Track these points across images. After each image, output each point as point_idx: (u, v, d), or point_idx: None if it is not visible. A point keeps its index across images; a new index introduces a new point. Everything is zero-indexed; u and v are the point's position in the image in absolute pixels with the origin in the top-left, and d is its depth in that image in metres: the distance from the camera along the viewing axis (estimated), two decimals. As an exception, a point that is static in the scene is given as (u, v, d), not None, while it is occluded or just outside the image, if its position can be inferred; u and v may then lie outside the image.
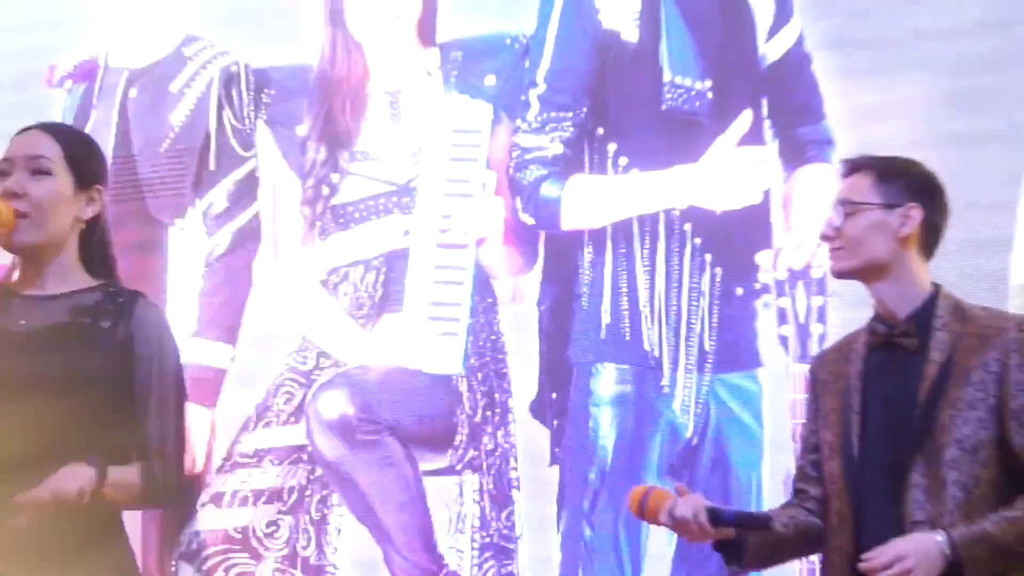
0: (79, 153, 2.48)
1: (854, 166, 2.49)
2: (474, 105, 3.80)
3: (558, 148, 3.69)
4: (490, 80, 3.81)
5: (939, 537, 2.25)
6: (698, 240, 3.58)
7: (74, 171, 2.44)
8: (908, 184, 2.43)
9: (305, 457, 3.83)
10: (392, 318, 3.81)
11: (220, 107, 4.02)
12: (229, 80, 4.03)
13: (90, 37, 4.20)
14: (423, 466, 3.74)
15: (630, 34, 3.68)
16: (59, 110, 4.19)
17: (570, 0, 3.69)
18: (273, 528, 3.85)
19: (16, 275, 2.49)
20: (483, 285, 3.76)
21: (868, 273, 2.44)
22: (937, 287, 2.43)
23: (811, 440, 2.53)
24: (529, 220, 3.72)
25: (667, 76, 3.63)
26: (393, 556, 3.73)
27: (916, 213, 2.41)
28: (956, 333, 2.37)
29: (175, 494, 2.55)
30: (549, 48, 3.73)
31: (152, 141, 4.08)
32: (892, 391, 2.39)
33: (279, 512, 3.84)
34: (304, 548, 3.82)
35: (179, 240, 4.03)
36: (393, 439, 3.74)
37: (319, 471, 3.81)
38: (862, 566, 2.29)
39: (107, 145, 4.07)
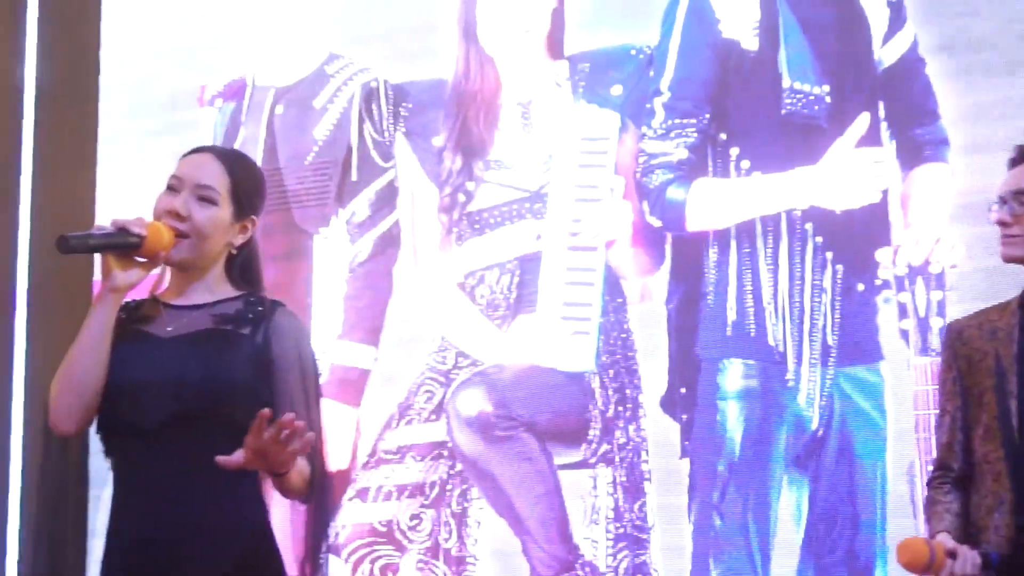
0: (245, 187, 2.64)
1: None
2: (602, 114, 3.96)
3: (683, 153, 3.84)
4: (617, 90, 3.97)
5: None
6: (819, 239, 3.70)
7: (236, 204, 2.61)
8: None
9: (445, 453, 4.00)
10: (526, 319, 3.98)
11: (361, 121, 4.24)
12: (369, 95, 4.24)
13: (238, 58, 4.44)
14: (558, 460, 3.89)
15: (750, 43, 3.81)
16: (209, 127, 4.44)
17: (692, 12, 3.84)
18: (416, 521, 4.03)
19: (164, 286, 2.65)
20: (613, 285, 3.91)
21: None
22: None
23: (957, 417, 2.61)
24: (656, 222, 3.86)
25: (786, 82, 3.76)
26: (531, 547, 3.89)
27: None
28: None
29: (321, 489, 2.75)
30: (672, 58, 3.88)
31: (297, 155, 4.31)
32: None
33: (422, 506, 4.02)
34: (446, 540, 4.00)
35: (324, 248, 4.24)
36: (529, 434, 3.91)
37: (459, 466, 3.98)
38: None
39: (255, 160, 4.32)
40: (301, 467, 2.52)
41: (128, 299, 2.61)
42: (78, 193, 4.55)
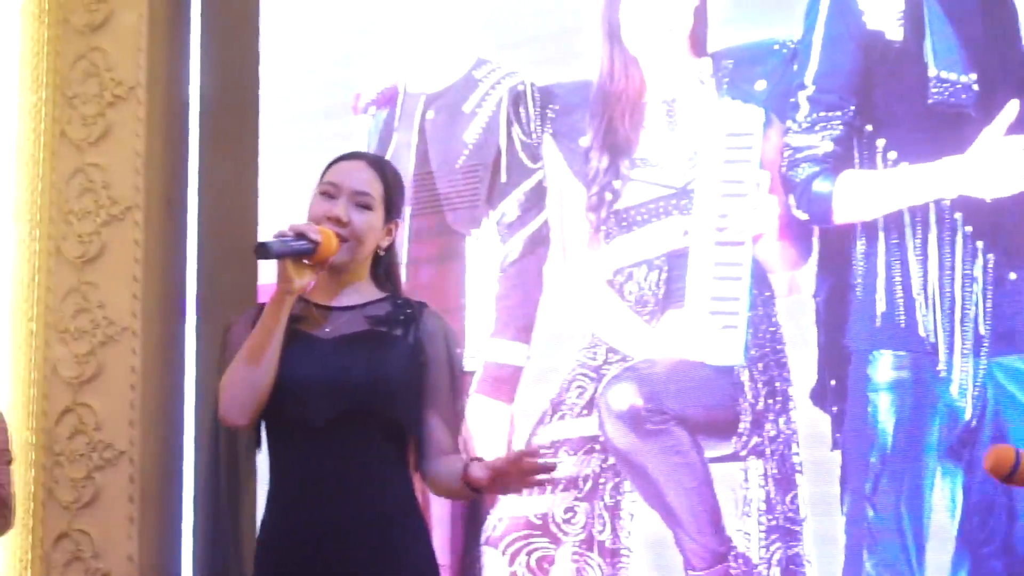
0: (394, 193, 2.80)
1: None
2: (746, 109, 3.99)
3: (828, 146, 3.84)
4: (760, 85, 3.99)
5: None
6: (969, 228, 3.67)
7: (386, 208, 2.77)
8: None
9: (598, 447, 4.08)
10: (675, 314, 4.03)
11: (509, 124, 4.33)
12: (517, 99, 4.34)
13: (389, 67, 4.58)
14: (709, 453, 3.93)
15: (894, 33, 3.80)
16: (364, 135, 4.59)
17: (835, 4, 3.85)
18: (570, 514, 4.10)
19: (310, 286, 2.78)
20: (760, 279, 3.94)
21: None
22: None
23: None
24: (803, 216, 3.87)
25: (932, 71, 3.74)
26: (683, 539, 3.94)
27: None
28: None
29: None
30: (816, 51, 3.89)
31: (448, 159, 4.43)
32: None
33: (575, 499, 4.10)
34: (600, 532, 4.07)
35: (475, 249, 4.35)
36: (680, 428, 3.96)
37: (611, 460, 4.05)
38: None
39: (408, 164, 4.46)
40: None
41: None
42: (241, 201, 4.73)
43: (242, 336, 2.72)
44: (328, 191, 2.75)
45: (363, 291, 2.79)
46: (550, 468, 2.59)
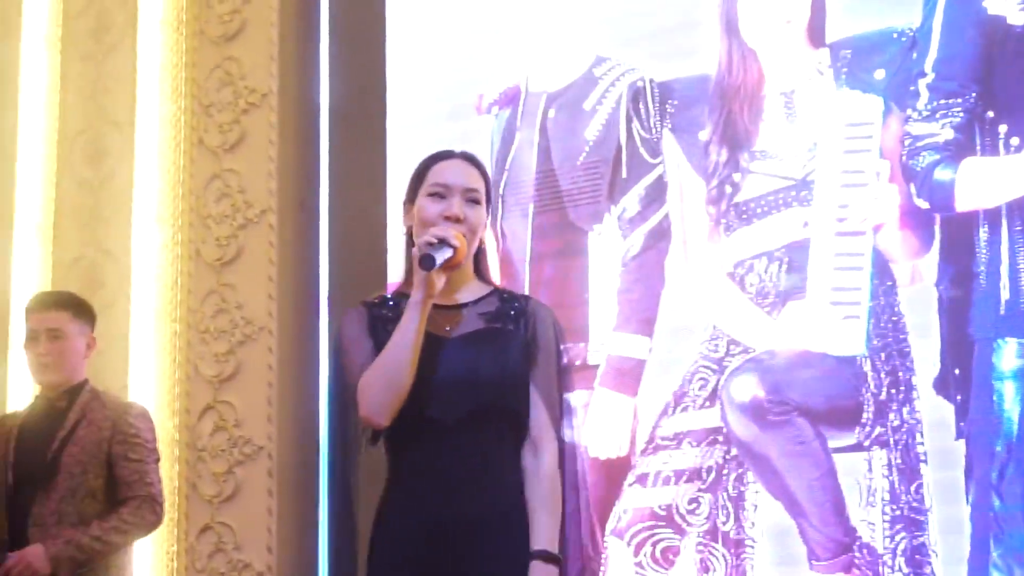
0: (491, 186, 2.90)
1: None
2: (865, 99, 3.98)
3: (949, 134, 3.82)
4: (879, 74, 3.98)
5: None
6: (1095, 214, 3.63)
7: (488, 202, 2.87)
8: None
9: (720, 438, 4.10)
10: (796, 305, 4.03)
11: (629, 120, 4.38)
12: (636, 95, 4.38)
13: (511, 67, 4.67)
14: (832, 443, 3.93)
15: (1016, 18, 3.76)
16: (487, 135, 4.68)
17: (954, -10, 3.83)
18: (694, 505, 4.13)
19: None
20: (882, 269, 3.93)
21: None
22: None
23: None
24: (924, 204, 3.85)
25: (1056, 56, 3.70)
26: (807, 529, 3.94)
27: None
28: None
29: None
30: (936, 38, 3.87)
31: (570, 156, 4.49)
32: None
33: (699, 490, 4.12)
34: (724, 523, 4.09)
35: (598, 244, 4.41)
36: (802, 419, 3.96)
37: (734, 451, 4.07)
38: None
39: (531, 162, 4.53)
40: None
41: (376, 299, 2.86)
42: (370, 202, 4.86)
43: (360, 332, 2.81)
44: (439, 192, 2.82)
45: (471, 288, 2.87)
46: None
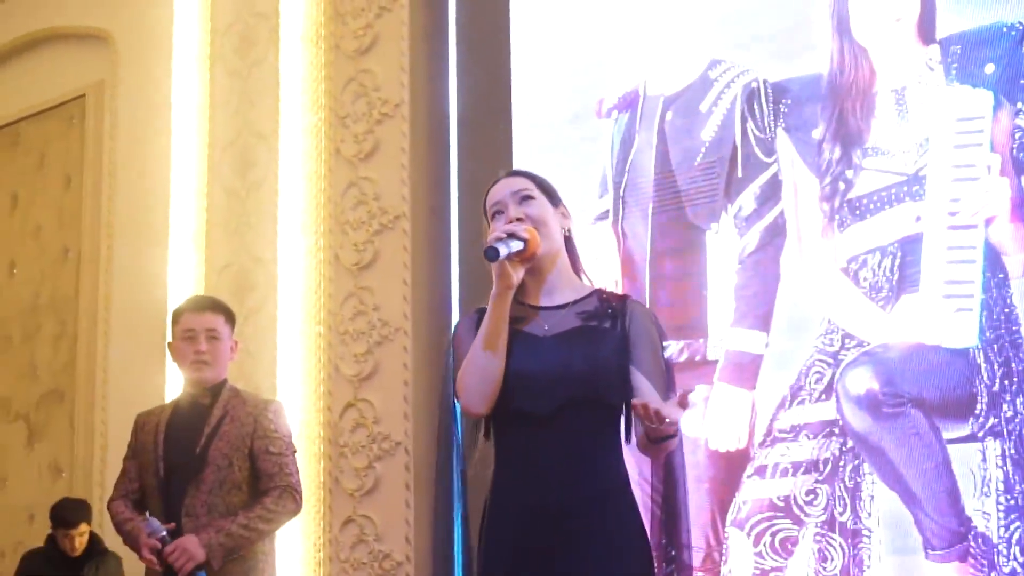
0: (543, 184, 3.00)
1: None
2: (976, 93, 4.01)
3: (1061, 126, 3.84)
4: (989, 68, 4.01)
5: None
6: None
7: (545, 195, 2.97)
8: None
9: (836, 431, 4.17)
10: (910, 299, 4.08)
11: (744, 120, 4.48)
12: (751, 95, 4.48)
13: (630, 72, 4.80)
14: (946, 435, 3.97)
15: (1125, 8, 3.77)
16: (607, 138, 4.82)
17: (1062, -18, 3.85)
18: (812, 496, 4.21)
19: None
20: (994, 262, 3.95)
21: None
22: None
23: None
24: (1037, 196, 3.89)
25: None
26: (923, 519, 3.99)
27: None
28: None
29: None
30: (1047, 30, 3.89)
31: (687, 157, 4.60)
32: None
33: (816, 481, 4.20)
34: (841, 514, 4.15)
35: (715, 241, 4.52)
36: (917, 411, 4.01)
37: (850, 443, 4.14)
38: None
39: (650, 164, 4.66)
40: None
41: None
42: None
43: (467, 333, 2.97)
44: (497, 210, 2.98)
45: (573, 288, 3.00)
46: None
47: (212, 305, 4.17)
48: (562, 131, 4.91)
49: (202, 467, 3.99)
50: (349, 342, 5.27)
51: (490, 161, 5.07)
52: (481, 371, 2.87)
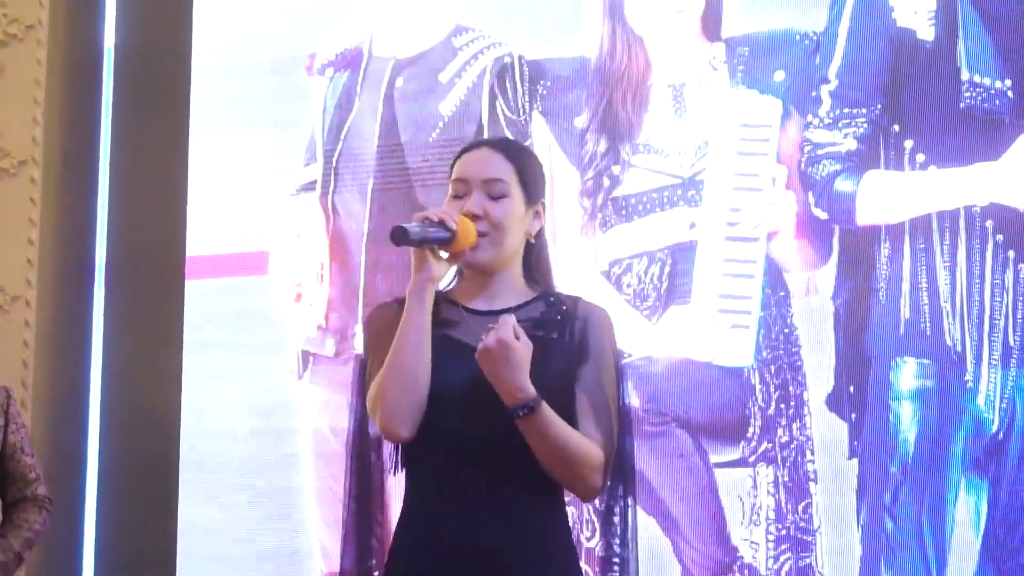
0: (529, 173, 2.49)
1: None
2: (763, 100, 3.82)
3: (851, 144, 3.72)
4: (779, 75, 3.83)
5: None
6: (1000, 237, 3.61)
7: (525, 190, 2.47)
8: None
9: (589, 448, 3.83)
10: (679, 310, 3.82)
11: (493, 97, 4.03)
12: (503, 71, 4.04)
13: (350, 26, 4.19)
14: (714, 458, 3.76)
15: (925, 33, 3.72)
16: (319, 98, 4.18)
17: (863, -2, 3.74)
18: (553, 519, 3.84)
19: (454, 287, 2.49)
20: (775, 278, 3.78)
21: None
22: None
23: None
24: (823, 215, 3.74)
25: (965, 75, 3.66)
26: (683, 546, 3.74)
27: None
28: None
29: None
30: (841, 44, 3.77)
31: (420, 130, 4.08)
32: None
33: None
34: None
35: (452, 230, 4.03)
36: (682, 430, 3.76)
37: (603, 462, 3.81)
38: None
39: (372, 134, 4.09)
40: None
41: None
42: (163, 167, 4.26)
43: (387, 329, 2.38)
44: (458, 190, 2.46)
45: (517, 291, 2.48)
46: None
47: None
48: (260, 81, 4.21)
49: None
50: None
51: (157, 105, 4.28)
52: (399, 386, 2.35)
